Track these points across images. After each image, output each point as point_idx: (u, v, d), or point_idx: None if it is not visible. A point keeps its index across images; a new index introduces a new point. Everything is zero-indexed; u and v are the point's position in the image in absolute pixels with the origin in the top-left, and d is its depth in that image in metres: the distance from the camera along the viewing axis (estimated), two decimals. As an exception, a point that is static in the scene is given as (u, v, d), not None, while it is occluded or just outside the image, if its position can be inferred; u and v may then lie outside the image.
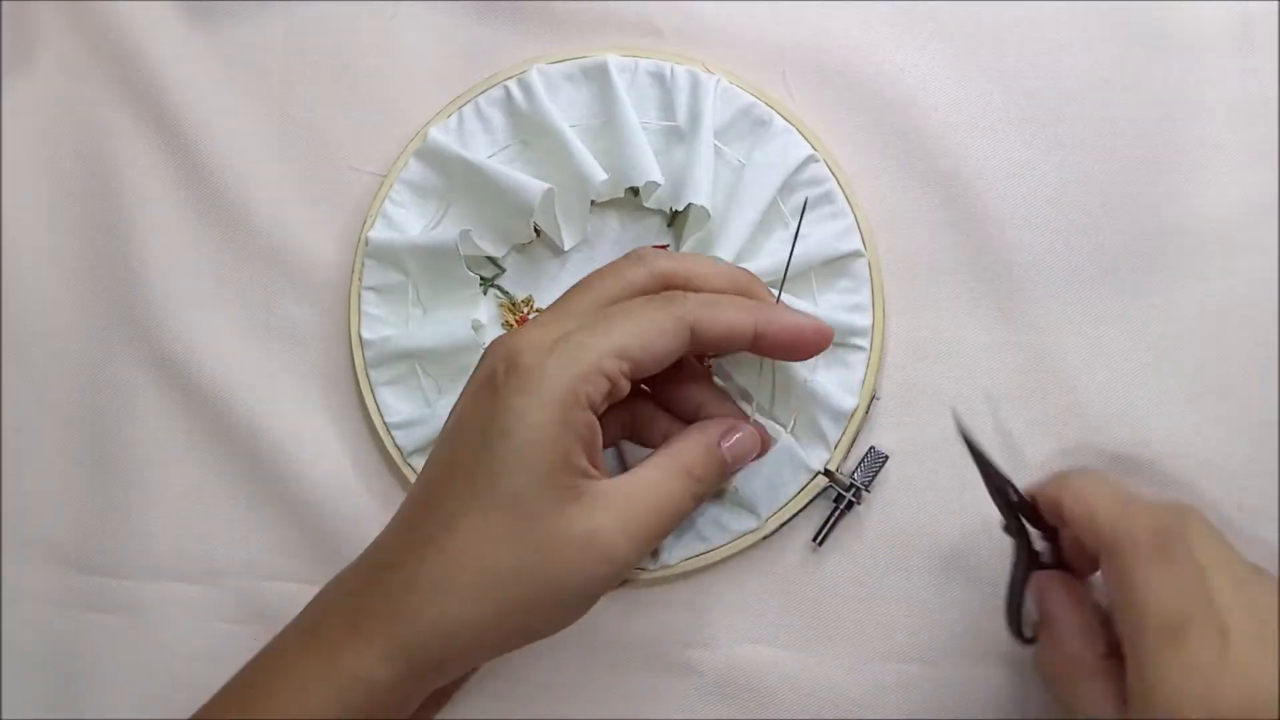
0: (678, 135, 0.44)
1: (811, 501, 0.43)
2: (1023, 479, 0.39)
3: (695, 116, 0.44)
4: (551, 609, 0.35)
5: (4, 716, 0.45)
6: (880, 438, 0.44)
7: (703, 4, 0.46)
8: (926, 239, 0.45)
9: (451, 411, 0.37)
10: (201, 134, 0.47)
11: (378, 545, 0.37)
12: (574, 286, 0.37)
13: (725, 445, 0.38)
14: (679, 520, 0.36)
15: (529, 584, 0.33)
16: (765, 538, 0.43)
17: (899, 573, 0.43)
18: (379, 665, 0.34)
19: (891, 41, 0.46)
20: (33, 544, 0.46)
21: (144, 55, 0.47)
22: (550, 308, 0.37)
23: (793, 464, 0.42)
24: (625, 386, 0.35)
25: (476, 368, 0.36)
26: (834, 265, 0.43)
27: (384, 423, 0.44)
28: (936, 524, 0.43)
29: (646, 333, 0.35)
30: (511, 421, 0.34)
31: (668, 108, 0.44)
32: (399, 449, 0.44)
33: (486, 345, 0.43)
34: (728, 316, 0.36)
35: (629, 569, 0.35)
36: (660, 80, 0.45)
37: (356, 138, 0.47)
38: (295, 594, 0.45)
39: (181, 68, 0.47)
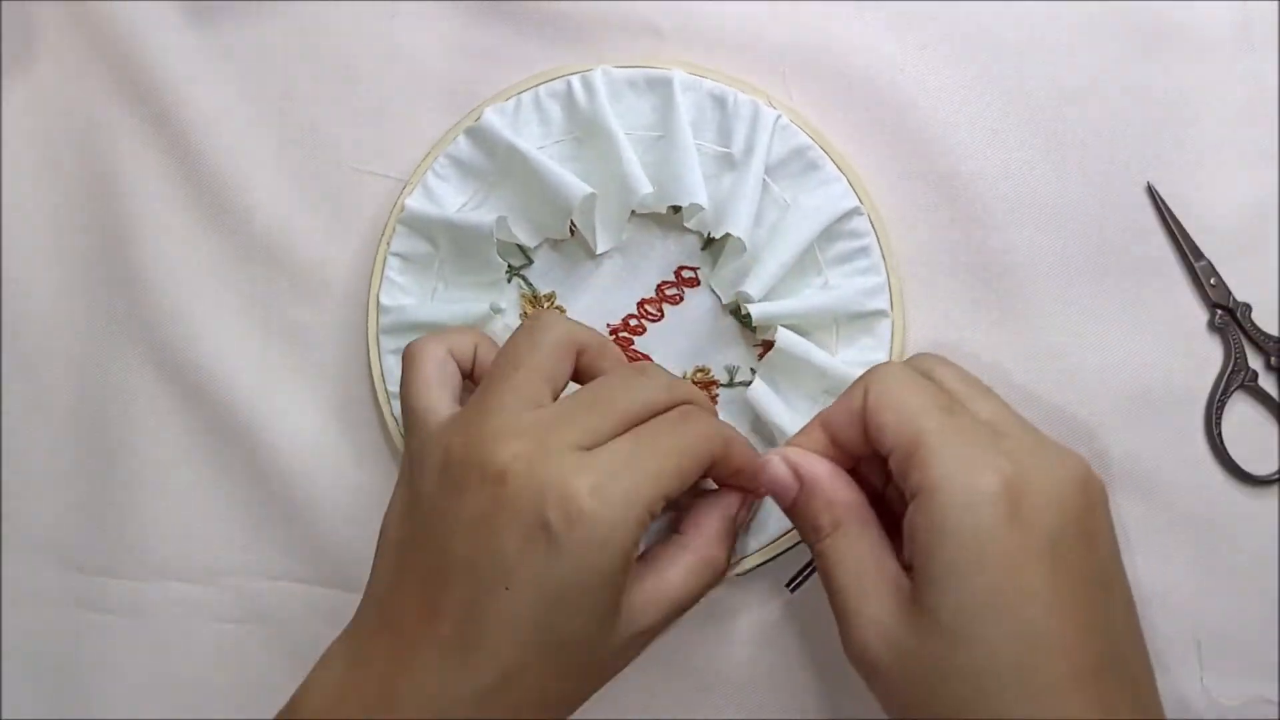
0: (729, 162, 0.44)
1: (794, 547, 0.42)
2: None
3: (749, 148, 0.43)
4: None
5: (4, 716, 0.45)
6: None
7: (703, 4, 0.46)
8: (926, 239, 0.45)
9: (479, 535, 0.33)
10: (202, 134, 0.47)
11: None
12: (591, 395, 0.36)
13: (740, 518, 0.38)
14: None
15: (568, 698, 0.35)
16: (741, 574, 0.43)
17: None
18: None
19: (891, 42, 0.46)
20: (33, 544, 0.46)
21: (144, 55, 0.47)
22: (571, 419, 0.34)
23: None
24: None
25: (513, 497, 0.33)
26: (859, 322, 0.43)
27: (386, 390, 0.44)
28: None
29: (684, 467, 0.35)
30: (579, 579, 0.32)
31: (725, 133, 0.44)
32: (395, 418, 0.44)
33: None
34: (744, 454, 0.37)
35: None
36: (722, 104, 0.44)
37: (357, 138, 0.47)
38: (295, 594, 0.45)
39: (181, 67, 0.47)
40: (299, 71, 0.47)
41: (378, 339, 0.44)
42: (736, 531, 0.38)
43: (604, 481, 0.32)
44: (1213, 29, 0.45)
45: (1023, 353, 0.45)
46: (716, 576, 0.37)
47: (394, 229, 0.45)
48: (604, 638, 0.34)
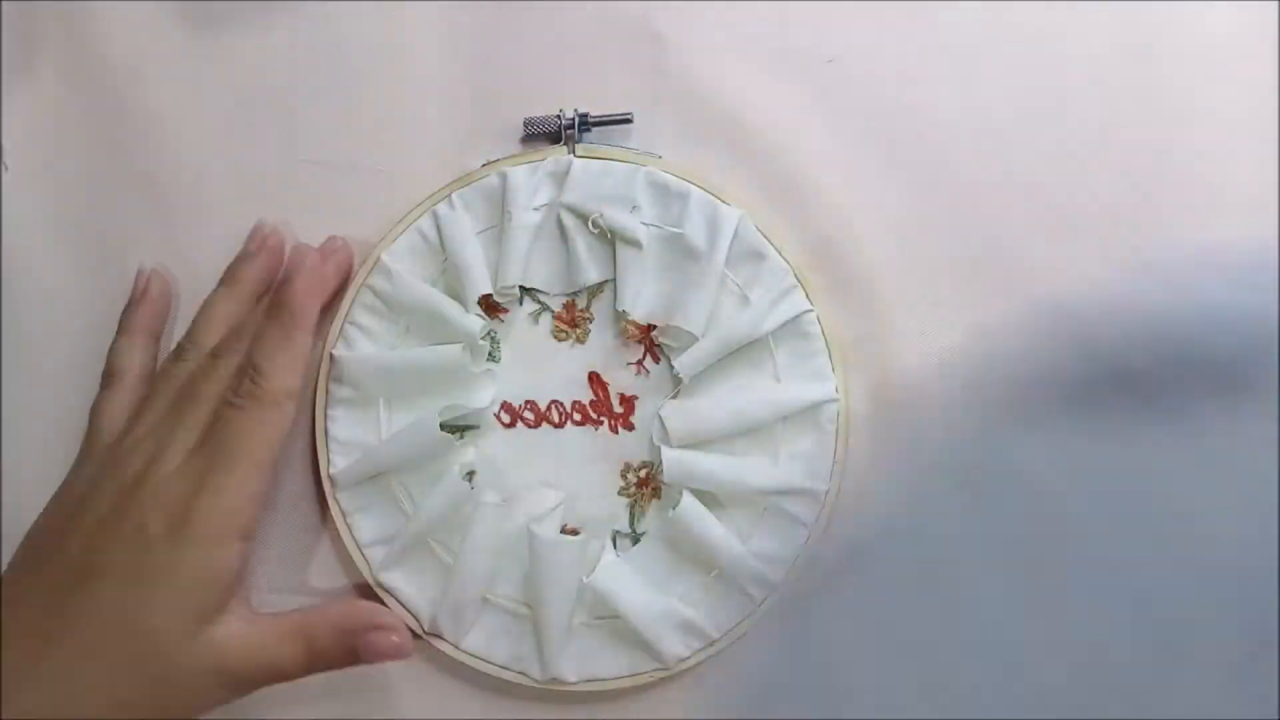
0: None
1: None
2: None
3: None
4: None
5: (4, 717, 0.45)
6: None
7: (703, 5, 0.46)
8: (926, 239, 0.45)
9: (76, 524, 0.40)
10: (201, 135, 0.47)
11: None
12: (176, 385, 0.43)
13: (364, 640, 0.40)
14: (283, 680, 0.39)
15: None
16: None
17: None
18: None
19: (892, 43, 0.46)
20: (32, 545, 0.46)
21: (144, 58, 0.47)
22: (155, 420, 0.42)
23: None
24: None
25: (110, 506, 0.39)
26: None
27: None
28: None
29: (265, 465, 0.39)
30: (167, 577, 0.37)
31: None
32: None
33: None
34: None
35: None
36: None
37: (357, 138, 0.47)
38: (295, 596, 0.45)
39: (181, 70, 0.47)
40: (299, 73, 0.47)
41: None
42: (355, 647, 0.40)
43: (190, 490, 0.38)
44: (1213, 29, 0.46)
45: (1022, 353, 0.45)
46: (311, 660, 0.39)
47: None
48: (185, 646, 0.36)
